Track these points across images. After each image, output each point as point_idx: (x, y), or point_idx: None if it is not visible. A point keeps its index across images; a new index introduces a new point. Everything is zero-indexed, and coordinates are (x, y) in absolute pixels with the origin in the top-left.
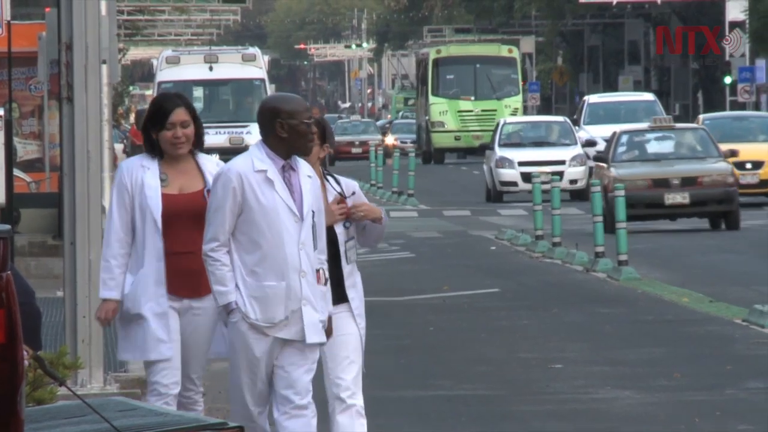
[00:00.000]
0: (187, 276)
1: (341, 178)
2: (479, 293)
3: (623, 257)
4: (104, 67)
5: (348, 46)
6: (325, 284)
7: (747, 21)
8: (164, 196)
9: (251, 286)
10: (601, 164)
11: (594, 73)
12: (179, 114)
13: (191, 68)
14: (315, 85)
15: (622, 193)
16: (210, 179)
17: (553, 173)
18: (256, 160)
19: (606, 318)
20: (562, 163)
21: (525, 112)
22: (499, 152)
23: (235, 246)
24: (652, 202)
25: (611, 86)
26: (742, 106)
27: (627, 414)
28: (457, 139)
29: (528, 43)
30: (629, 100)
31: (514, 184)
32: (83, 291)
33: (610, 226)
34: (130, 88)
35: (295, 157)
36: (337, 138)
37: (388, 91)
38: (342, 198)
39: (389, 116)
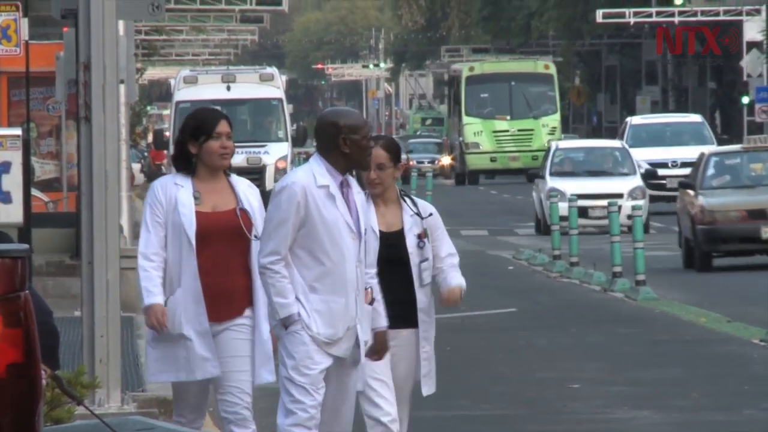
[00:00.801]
0: (220, 298)
1: (418, 200)
2: (497, 313)
3: (641, 277)
4: (122, 87)
5: (365, 66)
6: (371, 304)
7: (765, 41)
8: (197, 214)
9: (314, 301)
10: (688, 191)
11: (611, 93)
12: (224, 125)
13: (209, 88)
14: (332, 105)
15: (639, 213)
16: (243, 198)
17: (610, 207)
18: (318, 175)
19: (624, 338)
20: (620, 196)
21: None
22: (551, 182)
23: (293, 261)
24: (747, 236)
25: (628, 106)
26: (760, 127)
27: None
28: (492, 160)
29: None
30: (675, 122)
31: (566, 218)
32: (101, 311)
33: (699, 263)
34: (148, 107)
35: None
36: None
37: (406, 110)
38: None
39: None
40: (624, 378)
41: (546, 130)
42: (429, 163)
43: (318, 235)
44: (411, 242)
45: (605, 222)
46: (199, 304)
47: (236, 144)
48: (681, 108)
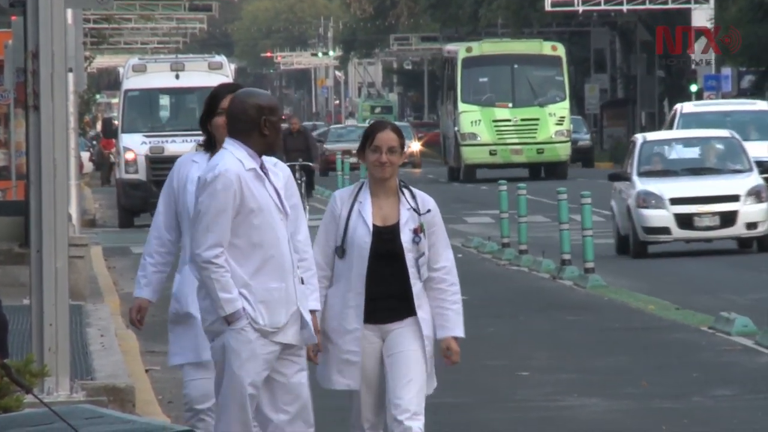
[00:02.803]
0: None
1: (418, 192)
2: None
3: (590, 265)
4: (70, 76)
5: (314, 54)
6: (302, 283)
7: (713, 29)
8: None
9: (257, 291)
10: None
11: None
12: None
13: (158, 76)
14: (282, 94)
15: (588, 201)
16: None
17: (723, 213)
18: (243, 159)
19: (573, 325)
20: (735, 198)
21: None
22: (641, 184)
23: (230, 252)
24: None
25: (577, 95)
26: None
27: (594, 421)
28: (492, 153)
29: None
30: (737, 110)
31: (666, 231)
32: (50, 299)
33: None
34: (97, 96)
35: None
36: (331, 146)
37: (355, 99)
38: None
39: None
40: (573, 365)
41: (553, 119)
42: None
43: (254, 220)
44: (406, 237)
45: (717, 234)
46: None
47: (185, 132)
48: (630, 96)
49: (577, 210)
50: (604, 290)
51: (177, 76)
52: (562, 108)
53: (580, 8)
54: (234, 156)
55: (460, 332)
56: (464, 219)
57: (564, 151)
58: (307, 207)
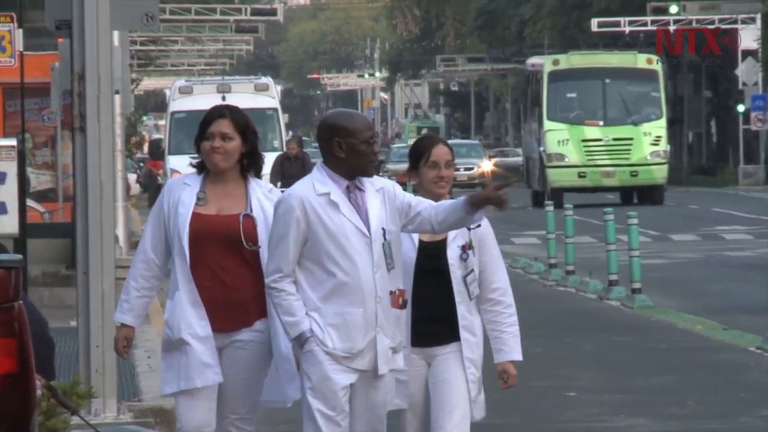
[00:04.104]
0: (220, 307)
1: None
2: None
3: (637, 285)
4: (117, 98)
5: (361, 76)
6: (403, 306)
7: (760, 49)
8: (197, 216)
9: (328, 314)
10: None
11: None
12: (220, 125)
13: (204, 98)
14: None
15: (635, 221)
16: (255, 205)
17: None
18: (317, 184)
19: (619, 346)
20: None
21: None
22: None
23: (304, 276)
24: None
25: None
26: (756, 135)
27: None
28: (581, 176)
29: None
30: None
31: None
32: (96, 321)
33: None
34: (143, 118)
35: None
36: (394, 166)
37: (401, 120)
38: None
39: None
40: (620, 386)
41: (649, 139)
42: (465, 170)
43: (324, 245)
44: (453, 254)
45: None
46: (197, 308)
47: None
48: (677, 116)
49: (623, 230)
50: (651, 311)
51: (223, 98)
52: (659, 127)
53: (627, 29)
54: (310, 180)
55: (517, 356)
56: (511, 240)
57: (660, 174)
58: None
